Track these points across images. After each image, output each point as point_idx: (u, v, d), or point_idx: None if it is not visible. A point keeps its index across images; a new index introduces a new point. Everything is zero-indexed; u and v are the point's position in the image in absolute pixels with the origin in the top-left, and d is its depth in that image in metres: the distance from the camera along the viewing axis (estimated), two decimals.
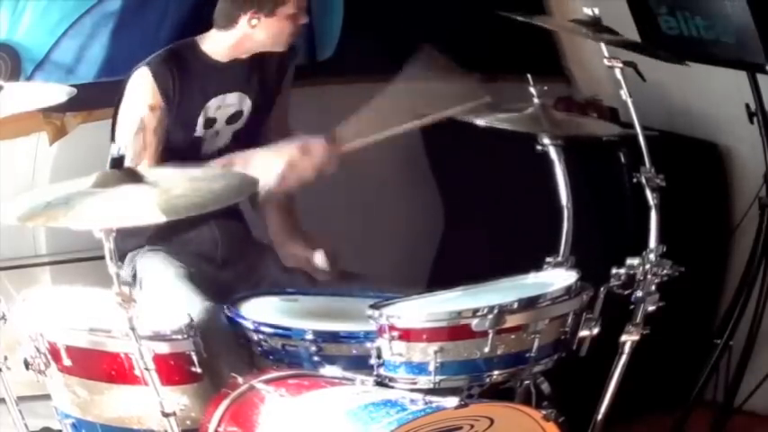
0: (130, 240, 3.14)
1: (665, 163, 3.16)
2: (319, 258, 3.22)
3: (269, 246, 3.33)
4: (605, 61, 3.16)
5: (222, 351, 2.80)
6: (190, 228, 3.17)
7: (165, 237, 3.17)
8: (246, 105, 3.23)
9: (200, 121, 3.17)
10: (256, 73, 3.24)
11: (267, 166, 3.04)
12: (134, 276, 3.15)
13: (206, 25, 3.24)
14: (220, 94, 3.19)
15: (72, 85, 2.85)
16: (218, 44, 3.19)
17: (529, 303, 2.66)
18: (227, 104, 3.20)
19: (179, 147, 3.15)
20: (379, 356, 2.67)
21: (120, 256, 3.00)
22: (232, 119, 3.23)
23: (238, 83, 3.21)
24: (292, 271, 3.24)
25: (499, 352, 2.62)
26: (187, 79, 3.15)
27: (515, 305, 2.62)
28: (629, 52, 3.25)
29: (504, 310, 2.59)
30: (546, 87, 3.19)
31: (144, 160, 3.02)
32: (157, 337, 2.62)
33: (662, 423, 3.79)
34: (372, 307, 2.69)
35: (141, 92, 3.12)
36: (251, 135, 3.25)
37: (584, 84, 4.57)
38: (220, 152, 3.19)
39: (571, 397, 2.78)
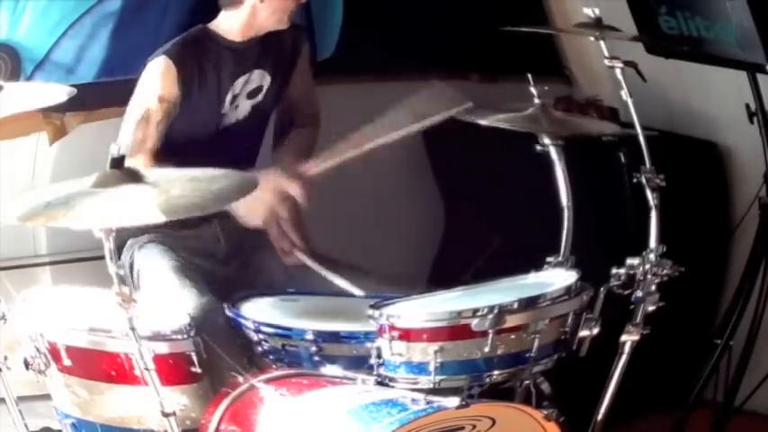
0: (131, 228, 3.14)
1: (665, 163, 3.16)
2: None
3: (271, 246, 3.34)
4: (606, 61, 3.17)
5: (219, 346, 2.79)
6: (192, 225, 3.18)
7: (166, 231, 3.18)
8: (266, 81, 3.30)
9: (228, 98, 3.23)
10: (272, 50, 3.31)
11: (251, 210, 3.10)
12: (131, 266, 3.16)
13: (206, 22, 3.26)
14: (246, 73, 3.25)
15: (72, 85, 2.84)
16: (230, 25, 3.23)
17: (529, 303, 2.66)
18: (251, 80, 3.27)
19: (204, 123, 3.21)
20: (379, 356, 2.67)
21: (120, 243, 3.01)
22: (252, 93, 3.29)
23: (259, 61, 3.27)
24: (293, 268, 3.24)
25: (499, 352, 2.62)
26: (210, 63, 3.19)
27: (515, 305, 2.62)
28: (629, 52, 3.25)
29: (504, 310, 2.59)
30: (546, 87, 3.19)
31: (141, 153, 3.08)
32: (157, 337, 2.61)
33: (662, 423, 3.79)
34: (372, 307, 2.68)
35: (154, 82, 3.13)
36: (270, 107, 3.36)
37: (584, 84, 4.58)
38: (238, 123, 3.26)
39: (571, 397, 2.78)
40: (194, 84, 3.16)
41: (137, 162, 2.99)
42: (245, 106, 3.28)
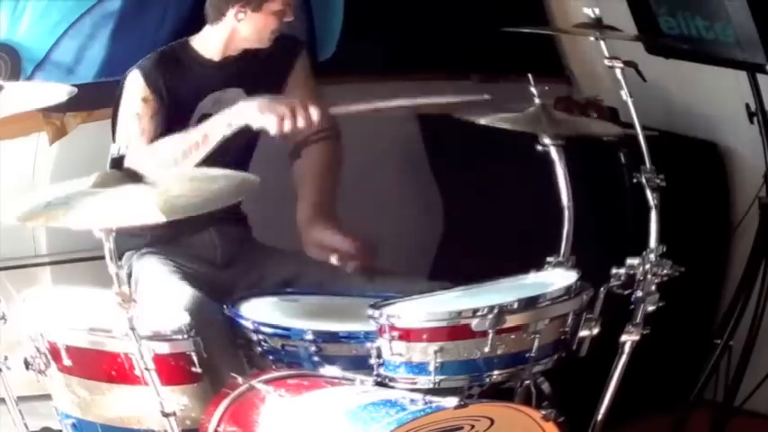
0: (130, 240, 3.14)
1: (665, 163, 3.16)
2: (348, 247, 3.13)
3: (270, 248, 3.33)
4: (606, 61, 3.17)
5: (216, 347, 2.79)
6: (188, 232, 3.19)
7: (164, 240, 3.18)
8: (243, 100, 3.22)
9: (196, 117, 3.18)
10: (254, 68, 3.25)
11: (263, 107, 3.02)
12: (129, 275, 3.16)
13: (205, 25, 3.26)
14: (217, 91, 3.20)
15: (72, 85, 2.84)
16: (209, 41, 3.22)
17: (529, 303, 2.66)
18: (224, 100, 3.19)
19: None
20: (379, 356, 2.67)
21: (119, 255, 3.01)
22: None
23: (233, 79, 3.22)
24: (295, 274, 3.23)
25: (499, 352, 2.62)
26: (179, 79, 3.18)
27: (515, 305, 2.62)
28: (629, 52, 3.25)
29: (504, 310, 2.59)
30: (547, 87, 3.19)
31: (142, 144, 3.08)
32: (157, 336, 2.62)
33: (662, 423, 3.79)
34: (372, 307, 2.69)
35: (134, 91, 3.15)
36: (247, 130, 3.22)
37: (584, 84, 4.58)
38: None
39: (571, 397, 2.78)
40: (164, 98, 3.15)
41: (140, 152, 3.01)
42: None
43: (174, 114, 3.16)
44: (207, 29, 3.22)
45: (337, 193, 3.36)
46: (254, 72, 3.26)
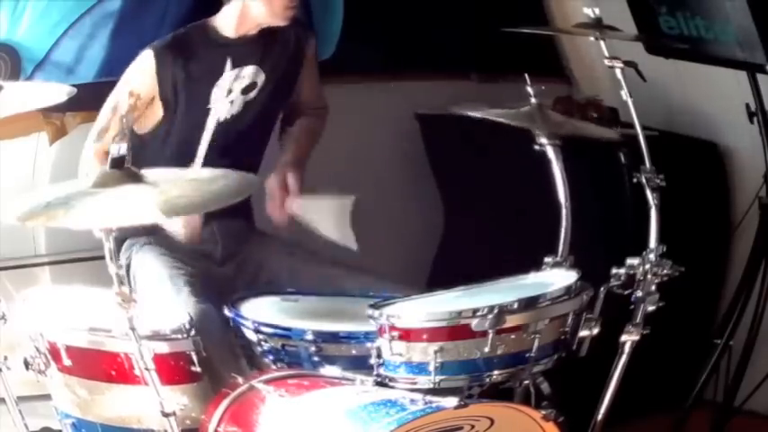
0: (130, 228, 3.15)
1: (665, 163, 3.16)
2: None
3: (270, 237, 3.35)
4: (606, 61, 3.17)
5: (217, 352, 2.80)
6: None
7: (164, 233, 3.18)
8: (260, 78, 3.28)
9: (214, 92, 3.23)
10: (271, 47, 3.30)
11: None
12: (128, 267, 3.17)
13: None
14: (235, 68, 3.25)
15: (72, 85, 2.84)
16: (226, 19, 3.26)
17: (529, 303, 2.66)
18: (242, 76, 3.26)
19: (191, 118, 3.22)
20: (379, 356, 2.67)
21: (119, 243, 3.03)
22: (246, 90, 3.28)
23: (251, 57, 3.27)
24: (294, 264, 3.25)
25: (499, 352, 2.62)
26: (195, 58, 3.22)
27: (515, 305, 2.62)
28: (629, 52, 3.25)
29: (504, 310, 2.59)
30: (544, 87, 3.20)
31: (103, 141, 3.15)
32: (157, 336, 2.62)
33: (662, 423, 3.79)
34: (372, 307, 2.69)
35: (133, 74, 3.22)
36: (268, 106, 3.33)
37: (584, 84, 4.58)
38: (234, 121, 3.25)
39: (571, 397, 2.78)
40: (178, 79, 3.19)
41: (98, 147, 3.15)
42: (238, 101, 3.27)
43: (191, 91, 3.21)
44: (224, 9, 3.26)
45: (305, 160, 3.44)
46: (273, 52, 3.31)
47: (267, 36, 3.29)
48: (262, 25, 3.25)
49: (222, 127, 3.23)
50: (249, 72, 3.26)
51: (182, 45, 3.23)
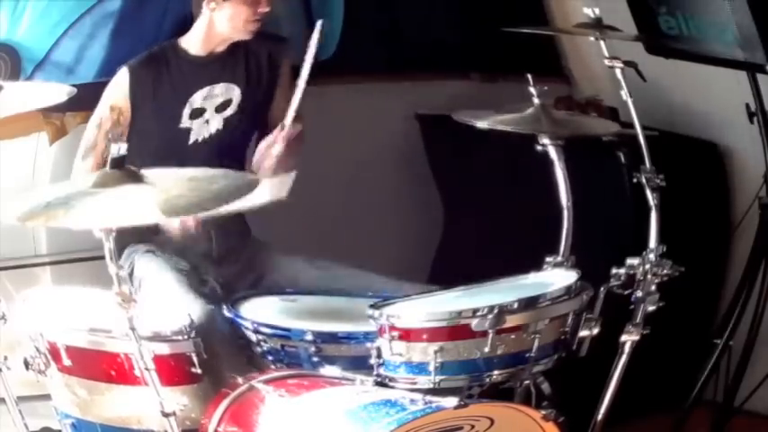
0: (127, 236, 3.15)
1: (665, 163, 3.16)
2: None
3: (267, 243, 3.34)
4: (606, 61, 3.17)
5: (221, 354, 2.80)
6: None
7: (163, 238, 3.18)
8: (235, 94, 3.27)
9: (186, 112, 3.22)
10: (241, 63, 3.29)
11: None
12: (131, 274, 3.16)
13: None
14: (205, 86, 3.24)
15: (72, 85, 2.85)
16: (194, 38, 3.26)
17: (529, 303, 2.66)
18: (215, 95, 3.25)
19: (166, 137, 3.22)
20: (379, 356, 2.67)
21: (118, 250, 3.02)
22: (221, 107, 3.27)
23: (222, 74, 3.26)
24: (293, 264, 3.24)
25: (499, 352, 2.62)
26: (168, 77, 3.22)
27: (515, 305, 2.62)
28: (629, 52, 3.25)
29: (504, 310, 2.59)
30: (546, 87, 3.19)
31: (92, 157, 3.18)
32: (157, 337, 2.62)
33: (662, 423, 3.79)
34: (372, 307, 2.69)
35: (113, 91, 3.23)
36: (247, 121, 3.31)
37: (584, 84, 4.58)
38: (211, 138, 3.25)
39: (571, 397, 2.78)
40: (149, 98, 3.20)
41: (87, 164, 3.16)
42: (215, 121, 3.26)
43: (162, 111, 3.21)
44: (194, 26, 3.27)
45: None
46: (244, 67, 3.29)
47: (237, 51, 3.28)
48: (228, 41, 3.25)
49: (203, 146, 3.23)
50: (220, 90, 3.25)
51: (155, 63, 3.24)
